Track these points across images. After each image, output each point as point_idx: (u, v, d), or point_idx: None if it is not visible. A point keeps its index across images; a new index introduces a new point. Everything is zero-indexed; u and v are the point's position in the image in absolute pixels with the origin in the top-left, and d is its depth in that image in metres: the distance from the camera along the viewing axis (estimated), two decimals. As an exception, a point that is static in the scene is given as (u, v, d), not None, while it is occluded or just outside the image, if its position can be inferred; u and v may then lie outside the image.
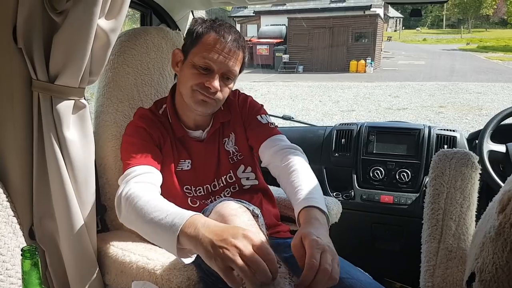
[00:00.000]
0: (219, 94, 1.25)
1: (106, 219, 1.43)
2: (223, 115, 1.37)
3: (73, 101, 1.14)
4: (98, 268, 1.28)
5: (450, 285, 1.12)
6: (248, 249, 0.84)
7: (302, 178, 1.19)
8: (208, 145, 1.34)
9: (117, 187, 1.19)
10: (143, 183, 1.14)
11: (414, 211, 1.90)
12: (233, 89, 1.37)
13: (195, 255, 1.07)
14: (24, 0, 1.03)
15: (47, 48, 1.09)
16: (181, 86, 1.28)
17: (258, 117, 1.38)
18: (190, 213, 0.97)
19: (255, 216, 1.02)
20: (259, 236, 0.91)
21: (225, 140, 1.37)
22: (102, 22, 1.08)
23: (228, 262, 0.83)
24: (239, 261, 0.83)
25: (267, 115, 1.41)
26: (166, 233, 0.96)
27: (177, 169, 1.30)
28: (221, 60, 1.21)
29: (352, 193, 2.02)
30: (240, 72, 1.30)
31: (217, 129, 1.36)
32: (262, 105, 1.44)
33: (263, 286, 0.84)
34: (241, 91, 1.46)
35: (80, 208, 1.19)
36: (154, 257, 1.19)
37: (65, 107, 1.12)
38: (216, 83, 1.22)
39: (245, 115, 1.39)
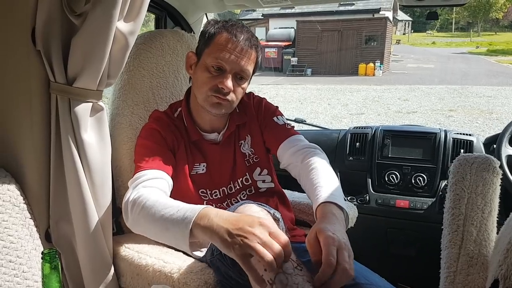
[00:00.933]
0: (232, 95, 1.24)
1: (121, 222, 1.42)
2: (239, 117, 1.36)
3: (91, 103, 1.13)
4: (113, 271, 1.27)
5: (471, 292, 1.10)
6: (266, 236, 0.84)
7: (321, 176, 1.18)
8: (224, 148, 1.34)
9: (132, 189, 1.19)
10: (151, 187, 1.13)
11: (430, 216, 1.88)
12: (247, 91, 1.37)
13: (205, 248, 1.06)
14: (43, 2, 1.03)
15: (66, 50, 1.09)
16: (196, 90, 1.28)
17: (275, 118, 1.38)
18: (201, 206, 0.97)
19: (276, 219, 1.01)
20: (274, 224, 0.91)
21: (241, 143, 1.36)
22: (120, 25, 1.08)
23: (247, 249, 0.84)
24: (259, 247, 0.83)
25: (283, 116, 1.41)
26: (178, 227, 0.96)
27: (192, 173, 1.30)
28: (233, 60, 1.20)
29: (367, 197, 2.00)
30: (253, 72, 1.30)
31: (233, 132, 1.35)
32: (277, 107, 1.44)
33: (282, 278, 0.84)
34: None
35: (97, 210, 1.19)
36: (171, 260, 1.18)
37: (83, 109, 1.12)
38: (229, 83, 1.21)
39: (261, 117, 1.38)
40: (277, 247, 0.84)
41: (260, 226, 0.86)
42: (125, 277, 1.27)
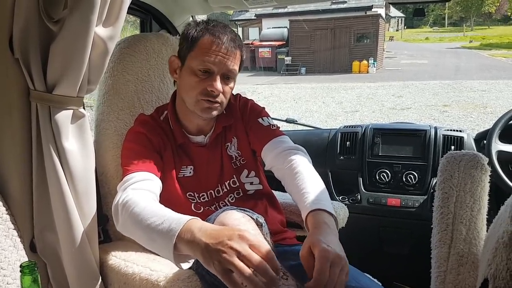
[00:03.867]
0: (221, 96, 1.24)
1: (109, 229, 1.41)
2: (225, 119, 1.35)
3: (71, 110, 1.11)
4: (100, 280, 1.25)
5: (462, 291, 1.09)
6: (245, 250, 0.83)
7: (307, 181, 1.17)
8: (211, 150, 1.32)
9: (119, 196, 1.17)
10: (141, 190, 1.12)
11: (422, 214, 1.87)
12: (234, 92, 1.36)
13: (193, 260, 1.05)
14: (20, 9, 1.01)
15: (44, 57, 1.07)
16: (184, 94, 1.27)
17: (260, 119, 1.36)
18: (187, 217, 0.96)
19: (259, 225, 1.00)
20: (256, 235, 0.90)
21: (228, 145, 1.35)
22: (99, 30, 1.06)
23: (226, 264, 0.83)
24: (237, 262, 0.82)
25: (268, 117, 1.39)
26: (163, 239, 0.95)
27: (179, 176, 1.28)
28: (219, 61, 1.20)
29: (359, 196, 1.99)
30: (239, 70, 1.29)
31: (219, 134, 1.34)
32: (263, 108, 1.42)
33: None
34: (244, 95, 1.44)
35: (81, 219, 1.17)
36: (158, 268, 1.16)
37: (63, 117, 1.10)
38: (219, 85, 1.21)
39: (246, 119, 1.37)
40: (256, 259, 0.82)
41: (239, 239, 0.84)
42: (112, 286, 1.25)
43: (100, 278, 1.25)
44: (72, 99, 1.10)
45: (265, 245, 0.85)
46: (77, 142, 1.15)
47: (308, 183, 1.16)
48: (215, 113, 1.26)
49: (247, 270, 0.81)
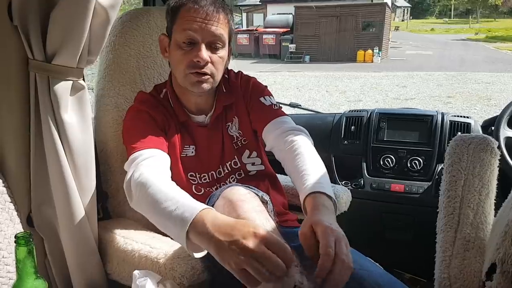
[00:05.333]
0: (210, 67, 1.18)
1: (108, 207, 1.39)
2: (226, 98, 1.31)
3: (71, 82, 1.09)
4: (99, 257, 1.24)
5: (467, 276, 1.07)
6: (261, 249, 0.79)
7: (307, 163, 1.14)
8: (212, 130, 1.29)
9: (119, 173, 1.15)
10: (153, 167, 1.08)
11: (426, 200, 1.84)
12: (231, 66, 1.32)
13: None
14: (19, -26, 0.98)
15: (44, 25, 1.04)
16: (174, 71, 1.23)
17: (261, 99, 1.32)
18: (199, 206, 0.92)
19: (264, 202, 0.98)
20: (269, 230, 0.88)
21: (228, 125, 1.31)
22: (101, -2, 1.02)
23: (242, 265, 0.80)
24: (254, 263, 0.79)
25: (271, 97, 1.35)
26: (176, 228, 0.92)
27: (182, 155, 1.25)
28: (201, 27, 1.14)
29: (362, 181, 1.96)
30: (229, 37, 1.23)
31: (220, 113, 1.30)
32: (266, 86, 1.38)
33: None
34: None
35: (80, 194, 1.15)
36: (157, 246, 1.14)
37: (63, 88, 1.07)
38: (204, 54, 1.15)
39: (247, 98, 1.33)
40: (273, 260, 0.79)
41: (255, 238, 0.80)
42: (111, 263, 1.24)
43: (99, 254, 1.23)
44: (72, 69, 1.07)
45: (280, 243, 0.81)
46: (76, 115, 1.12)
47: (309, 165, 1.13)
48: (206, 86, 1.19)
49: (264, 273, 0.78)
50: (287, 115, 1.33)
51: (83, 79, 1.13)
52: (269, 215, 0.96)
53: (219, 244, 0.83)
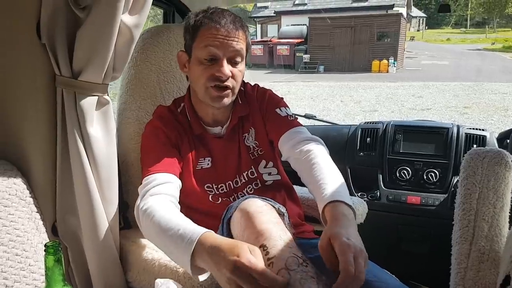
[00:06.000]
0: (231, 80, 1.22)
1: (129, 216, 1.42)
2: (241, 109, 1.34)
3: (96, 97, 1.13)
4: (120, 266, 1.27)
5: (482, 288, 1.07)
6: (245, 281, 0.83)
7: (324, 172, 1.15)
8: (228, 141, 1.32)
9: (139, 184, 1.18)
10: (160, 195, 1.13)
11: (442, 213, 1.85)
12: (252, 84, 1.36)
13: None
14: (48, -5, 1.03)
15: (71, 43, 1.09)
16: (194, 85, 1.27)
17: (277, 110, 1.35)
18: (199, 232, 0.95)
19: (280, 214, 0.99)
20: (286, 241, 0.91)
21: (245, 136, 1.34)
22: (125, 18, 1.07)
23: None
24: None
25: (287, 108, 1.38)
26: (180, 254, 0.97)
27: (197, 168, 1.29)
28: (222, 44, 1.19)
29: (378, 193, 1.97)
30: (247, 51, 1.27)
31: (236, 124, 1.33)
32: (282, 98, 1.41)
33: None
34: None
35: (103, 205, 1.19)
36: (177, 256, 1.17)
37: (88, 103, 1.11)
38: (226, 69, 1.19)
39: (264, 109, 1.36)
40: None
41: (236, 271, 0.83)
42: (132, 272, 1.27)
43: (120, 263, 1.27)
44: (97, 85, 1.12)
45: (264, 270, 0.83)
46: (101, 129, 1.16)
47: (326, 174, 1.14)
48: (226, 100, 1.24)
49: None
50: (302, 125, 1.35)
51: (108, 94, 1.17)
52: (286, 227, 0.98)
53: (214, 271, 0.90)
